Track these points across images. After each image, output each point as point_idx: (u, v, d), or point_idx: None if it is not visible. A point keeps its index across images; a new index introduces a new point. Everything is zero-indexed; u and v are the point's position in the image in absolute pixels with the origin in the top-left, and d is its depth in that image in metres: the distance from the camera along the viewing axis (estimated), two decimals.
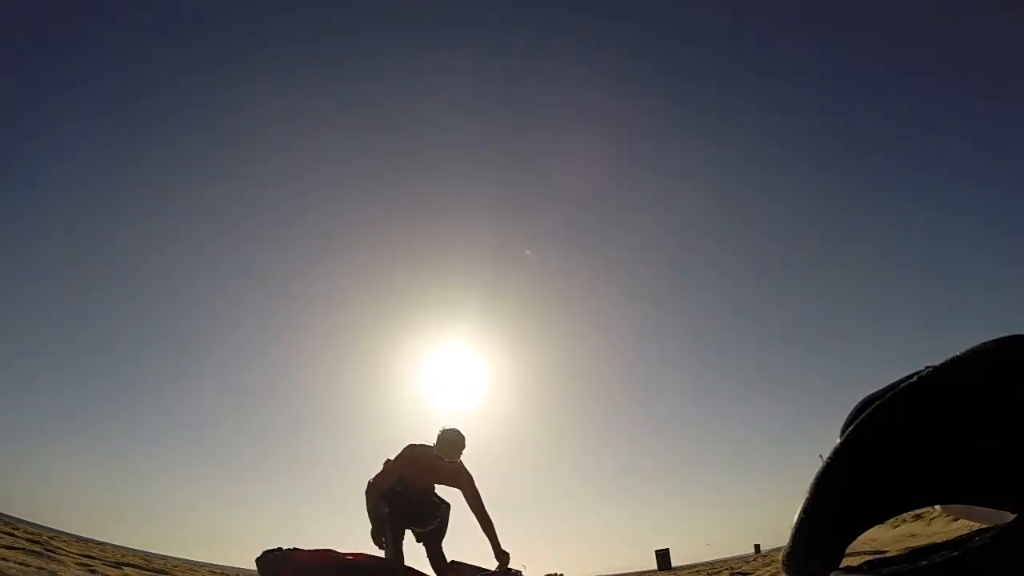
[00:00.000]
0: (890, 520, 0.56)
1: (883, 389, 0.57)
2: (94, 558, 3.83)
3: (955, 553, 0.49)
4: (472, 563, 3.85)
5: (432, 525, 4.11)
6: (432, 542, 4.11)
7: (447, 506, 4.24)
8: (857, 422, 0.55)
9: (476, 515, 3.98)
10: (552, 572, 5.03)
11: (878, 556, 0.60)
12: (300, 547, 2.91)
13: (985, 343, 0.52)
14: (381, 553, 3.70)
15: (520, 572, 3.76)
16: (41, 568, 2.62)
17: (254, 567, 2.83)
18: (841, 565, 0.55)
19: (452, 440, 4.09)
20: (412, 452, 4.12)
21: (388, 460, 4.17)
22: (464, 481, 4.05)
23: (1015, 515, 0.48)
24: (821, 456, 0.58)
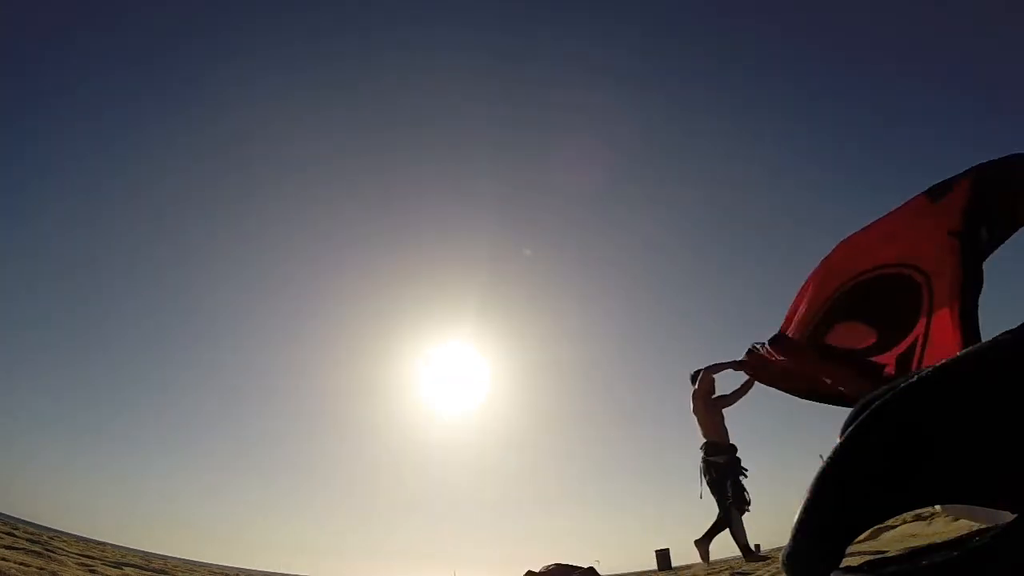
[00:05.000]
0: (890, 520, 0.56)
1: (883, 389, 0.57)
2: (94, 558, 3.82)
3: (955, 553, 0.49)
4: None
5: None
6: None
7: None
8: (857, 422, 0.55)
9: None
10: None
11: (878, 556, 0.60)
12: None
13: (985, 342, 0.52)
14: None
15: (594, 568, 3.93)
16: (41, 568, 2.61)
17: (254, 567, 2.82)
18: (841, 565, 0.55)
19: None
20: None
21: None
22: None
23: (1015, 515, 0.48)
24: (821, 456, 0.58)
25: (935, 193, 2.06)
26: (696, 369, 5.11)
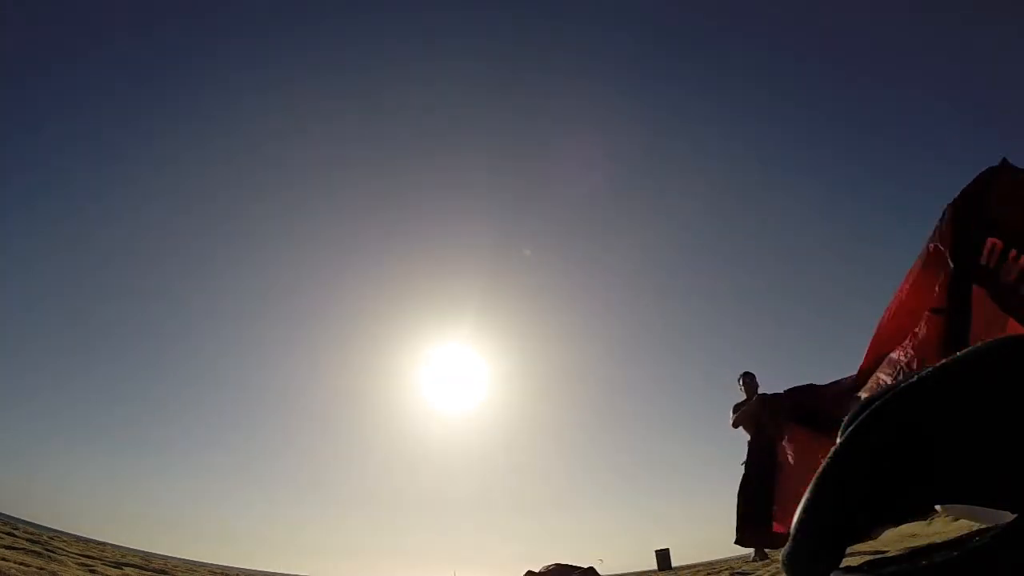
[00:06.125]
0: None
1: (883, 389, 0.57)
2: (94, 558, 3.82)
3: (955, 553, 0.49)
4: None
5: None
6: None
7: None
8: (857, 422, 0.55)
9: None
10: None
11: (878, 556, 0.60)
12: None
13: (985, 343, 0.52)
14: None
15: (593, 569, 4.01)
16: (41, 568, 2.61)
17: (254, 567, 2.83)
18: (841, 565, 0.55)
19: None
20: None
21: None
22: None
23: (1015, 515, 0.48)
24: (822, 456, 0.58)
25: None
26: (743, 372, 5.18)
